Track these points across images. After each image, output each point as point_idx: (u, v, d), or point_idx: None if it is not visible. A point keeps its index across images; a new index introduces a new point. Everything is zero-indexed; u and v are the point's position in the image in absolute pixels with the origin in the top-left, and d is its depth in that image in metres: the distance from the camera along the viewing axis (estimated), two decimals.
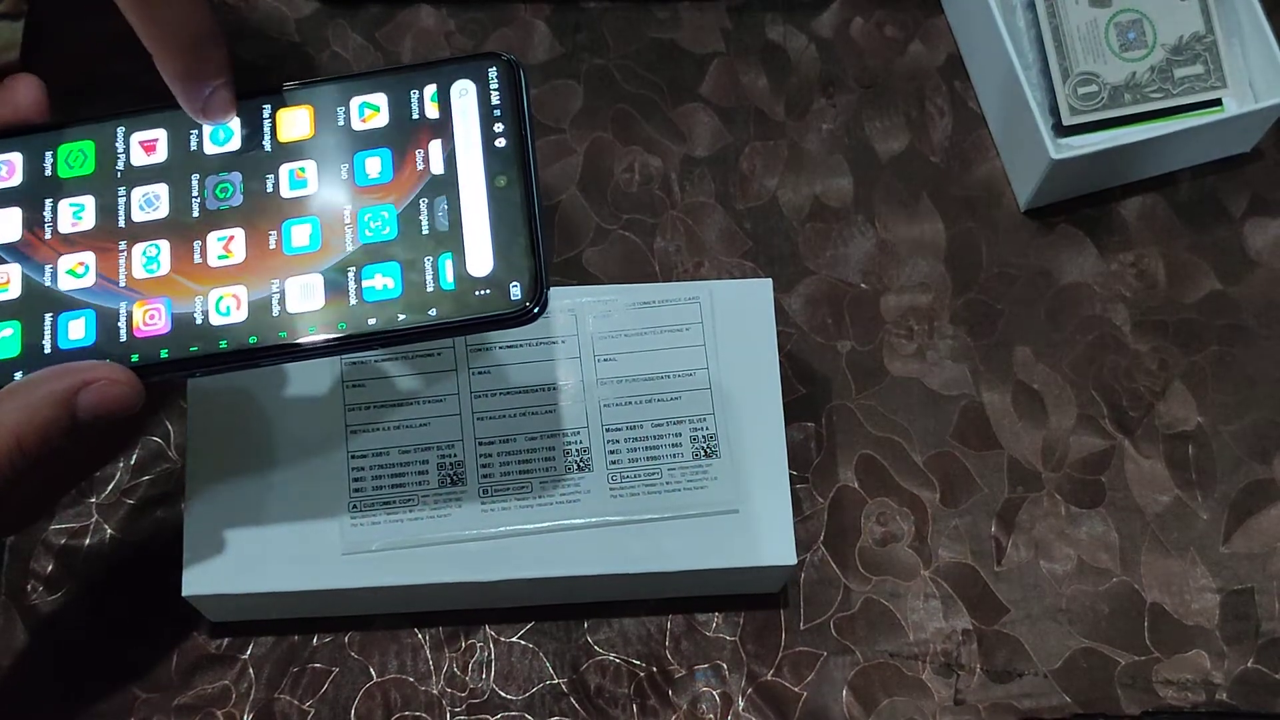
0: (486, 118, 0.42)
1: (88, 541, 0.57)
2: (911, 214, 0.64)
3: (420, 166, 0.43)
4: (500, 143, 0.42)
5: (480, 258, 0.41)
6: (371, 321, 0.41)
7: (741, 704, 0.57)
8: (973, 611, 0.58)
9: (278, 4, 0.66)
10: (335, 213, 0.42)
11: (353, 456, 0.53)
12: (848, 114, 0.66)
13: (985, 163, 0.65)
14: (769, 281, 0.56)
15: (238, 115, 0.44)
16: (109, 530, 0.58)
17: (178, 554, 0.51)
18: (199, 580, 0.51)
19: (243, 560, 0.51)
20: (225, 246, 0.42)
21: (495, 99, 0.42)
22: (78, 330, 0.42)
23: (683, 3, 0.67)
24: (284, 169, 0.43)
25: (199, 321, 0.41)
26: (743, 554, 0.53)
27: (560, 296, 0.55)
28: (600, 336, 0.55)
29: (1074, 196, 0.64)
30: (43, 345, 0.41)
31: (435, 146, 0.43)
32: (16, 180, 0.44)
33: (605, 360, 0.54)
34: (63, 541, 0.57)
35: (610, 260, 0.63)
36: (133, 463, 0.59)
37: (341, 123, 0.43)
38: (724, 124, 0.65)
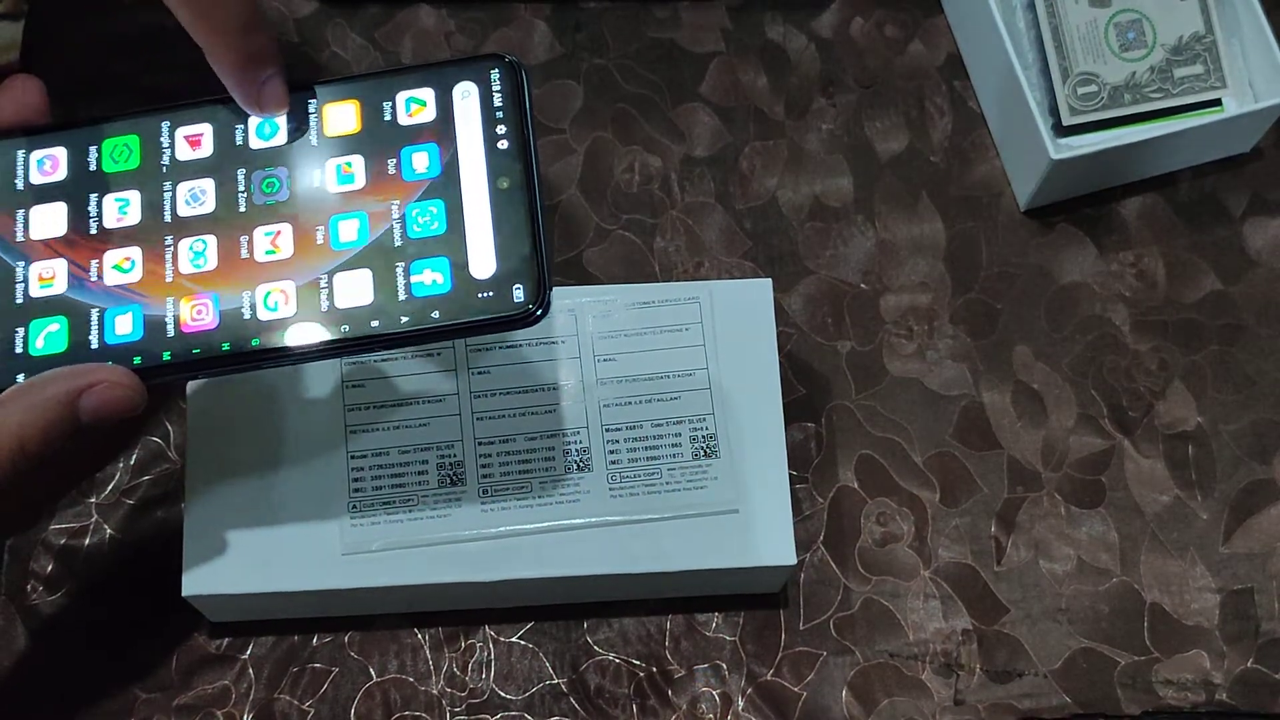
0: (489, 120, 0.42)
1: (88, 541, 0.57)
2: (911, 214, 0.64)
3: (424, 168, 0.43)
4: (502, 144, 0.42)
5: (482, 260, 0.41)
6: (374, 324, 0.41)
7: (741, 704, 0.57)
8: (972, 611, 0.58)
9: (277, 4, 0.66)
10: (383, 209, 0.42)
11: (353, 456, 0.53)
12: (848, 114, 0.66)
13: (985, 163, 0.65)
14: (769, 281, 0.56)
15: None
16: (109, 530, 0.58)
17: (178, 554, 0.51)
18: (199, 580, 0.51)
19: (243, 560, 0.51)
20: (273, 242, 0.42)
21: (497, 101, 0.42)
22: (124, 325, 0.41)
23: (683, 3, 0.67)
24: (331, 164, 0.43)
25: (247, 316, 0.41)
26: (742, 554, 0.53)
27: (560, 296, 0.55)
28: (600, 336, 0.55)
29: (1074, 196, 0.64)
30: (89, 340, 0.41)
31: (437, 148, 0.43)
32: (61, 175, 0.43)
33: (605, 360, 0.54)
34: (63, 541, 0.57)
35: (610, 260, 0.63)
36: (133, 463, 0.59)
37: (389, 117, 0.43)
38: (724, 124, 0.65)
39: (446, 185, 0.42)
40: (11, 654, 0.56)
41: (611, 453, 0.53)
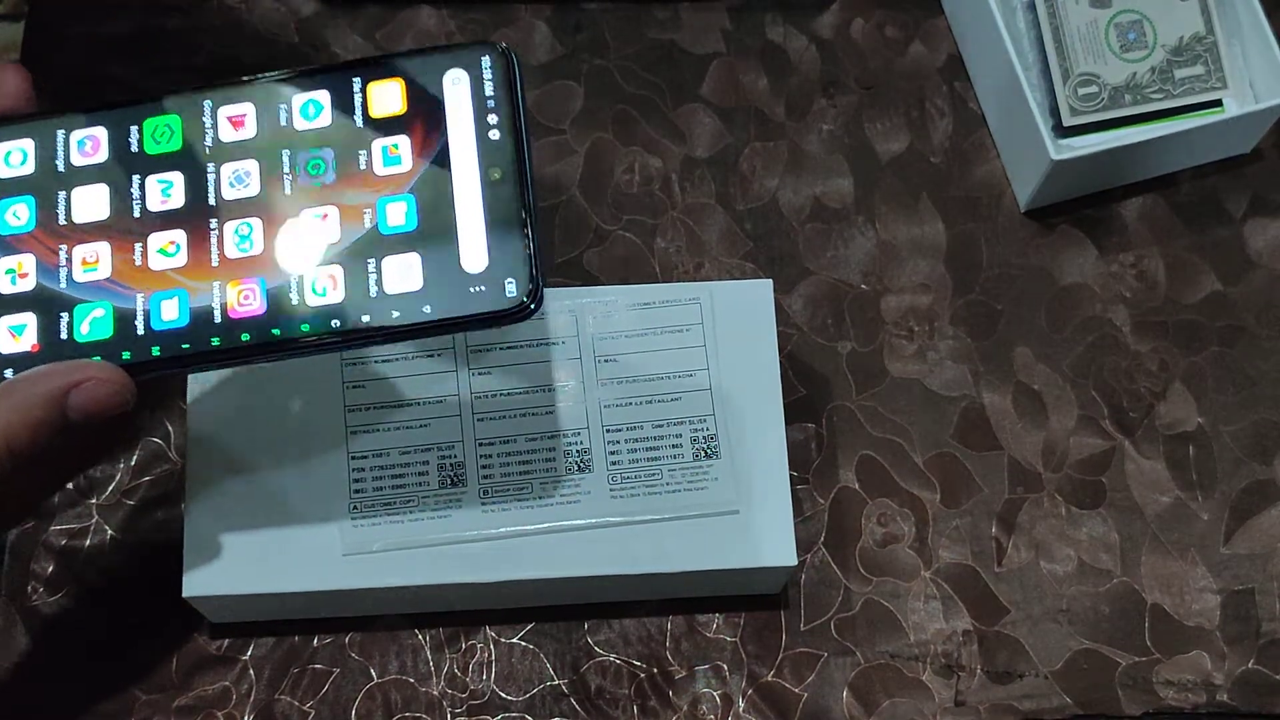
0: (480, 109, 0.41)
1: (88, 542, 0.57)
2: (911, 214, 0.64)
3: (419, 157, 0.42)
4: (494, 135, 0.41)
5: (474, 254, 0.40)
6: (365, 319, 0.40)
7: (742, 705, 0.57)
8: (973, 612, 0.58)
9: (277, 4, 0.66)
10: (433, 194, 0.41)
11: (353, 457, 0.53)
12: (848, 114, 0.66)
13: (985, 163, 0.65)
14: (769, 282, 0.56)
15: (327, 89, 0.42)
16: (109, 531, 0.58)
17: (178, 554, 0.51)
18: (199, 581, 0.51)
19: (243, 561, 0.51)
20: (320, 225, 0.41)
21: (489, 89, 0.41)
22: (170, 311, 0.40)
23: (683, 3, 0.67)
24: (377, 144, 0.41)
25: (294, 301, 0.40)
26: (743, 555, 0.53)
27: (561, 297, 0.55)
28: (600, 337, 0.55)
29: (1074, 197, 0.64)
30: (135, 327, 0.41)
31: (430, 137, 0.42)
32: (102, 157, 0.42)
33: (605, 361, 0.54)
34: (63, 542, 0.57)
35: (611, 261, 0.63)
36: (133, 463, 0.58)
37: (435, 93, 0.41)
38: (724, 124, 0.65)
39: (436, 176, 0.41)
40: (12, 655, 0.56)
41: (612, 453, 0.53)
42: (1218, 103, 0.63)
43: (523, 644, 0.57)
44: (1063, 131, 0.63)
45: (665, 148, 0.65)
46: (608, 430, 0.54)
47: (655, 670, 0.57)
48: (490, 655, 0.57)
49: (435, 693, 0.56)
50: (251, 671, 0.56)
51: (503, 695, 0.56)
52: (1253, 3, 0.63)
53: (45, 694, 0.56)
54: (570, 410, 0.54)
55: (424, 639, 0.57)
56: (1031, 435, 0.61)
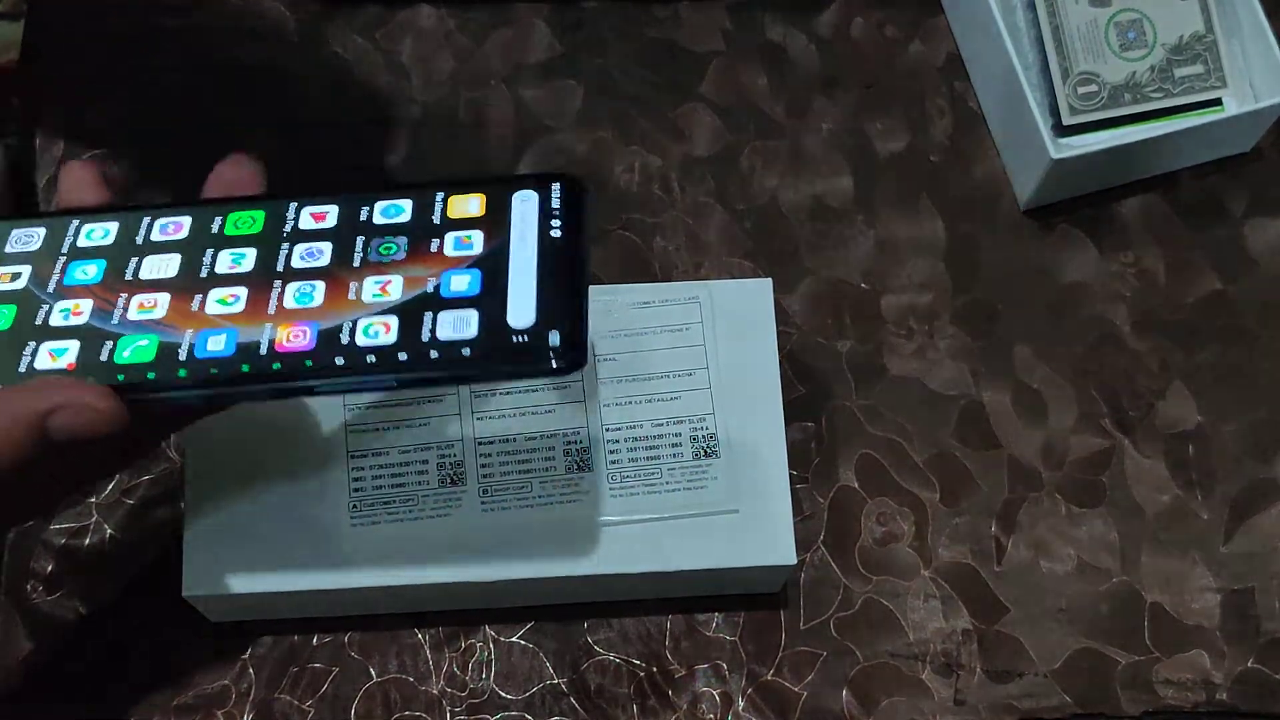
0: (545, 213, 0.42)
1: (88, 541, 0.57)
2: (911, 214, 0.64)
3: (488, 243, 0.43)
4: (555, 234, 0.42)
5: (522, 311, 0.41)
6: (402, 356, 0.41)
7: (742, 704, 0.57)
8: (973, 611, 0.58)
9: (277, 4, 0.66)
10: (494, 272, 0.42)
11: (353, 456, 0.53)
12: (848, 114, 0.66)
13: (985, 163, 0.65)
14: (769, 281, 0.56)
15: (410, 198, 0.43)
16: (109, 530, 0.58)
17: (178, 554, 0.51)
18: (199, 580, 0.51)
19: (243, 560, 0.51)
20: (383, 288, 0.42)
21: (555, 204, 0.43)
22: (216, 344, 0.41)
23: (683, 3, 0.67)
24: (451, 235, 0.43)
25: (345, 341, 0.41)
26: (743, 554, 0.53)
27: None
28: (600, 336, 0.55)
29: (1074, 196, 0.64)
30: (177, 354, 0.41)
31: (499, 230, 0.43)
32: (182, 235, 0.44)
33: (605, 360, 0.54)
34: (63, 541, 0.57)
35: (610, 260, 0.63)
36: None
37: (506, 203, 0.43)
38: (724, 124, 0.65)
39: (502, 252, 0.42)
40: (11, 654, 0.56)
41: (611, 453, 0.53)
42: (1217, 102, 0.64)
43: (522, 643, 0.57)
44: (1062, 130, 0.63)
45: (665, 147, 0.65)
46: (607, 430, 0.54)
47: (655, 669, 0.57)
48: (490, 654, 0.57)
49: (435, 692, 0.56)
50: (251, 671, 0.56)
51: (502, 694, 0.56)
52: (1252, 2, 0.63)
53: (44, 693, 0.56)
54: (570, 409, 0.54)
55: (424, 638, 0.57)
56: (1031, 434, 0.61)
